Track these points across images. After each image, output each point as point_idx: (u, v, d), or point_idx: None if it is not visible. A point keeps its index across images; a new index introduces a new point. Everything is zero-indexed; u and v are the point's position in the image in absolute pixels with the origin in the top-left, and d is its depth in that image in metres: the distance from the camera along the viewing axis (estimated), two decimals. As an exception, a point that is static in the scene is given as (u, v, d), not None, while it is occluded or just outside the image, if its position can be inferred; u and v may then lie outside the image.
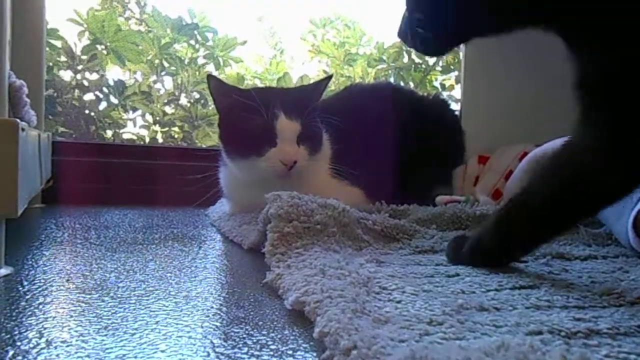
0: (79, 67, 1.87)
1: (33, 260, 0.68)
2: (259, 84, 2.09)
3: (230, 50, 2.15)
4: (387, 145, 1.01)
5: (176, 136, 2.10)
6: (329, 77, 1.00)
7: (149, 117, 2.05)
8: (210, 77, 0.96)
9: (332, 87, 2.20)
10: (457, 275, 0.57)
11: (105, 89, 1.87)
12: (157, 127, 2.09)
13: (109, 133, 1.98)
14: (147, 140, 2.02)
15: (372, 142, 1.00)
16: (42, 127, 1.21)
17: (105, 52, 1.86)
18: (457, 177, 1.11)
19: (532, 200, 0.57)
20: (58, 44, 1.79)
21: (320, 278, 0.49)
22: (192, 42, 2.12)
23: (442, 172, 1.11)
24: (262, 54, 2.32)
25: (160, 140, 2.05)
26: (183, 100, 2.12)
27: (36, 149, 0.83)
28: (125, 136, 2.01)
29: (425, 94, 1.23)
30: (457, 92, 2.27)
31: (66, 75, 1.84)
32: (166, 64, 2.06)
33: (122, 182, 1.31)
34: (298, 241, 0.62)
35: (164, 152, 1.47)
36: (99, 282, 0.58)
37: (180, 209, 1.24)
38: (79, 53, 1.84)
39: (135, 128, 2.04)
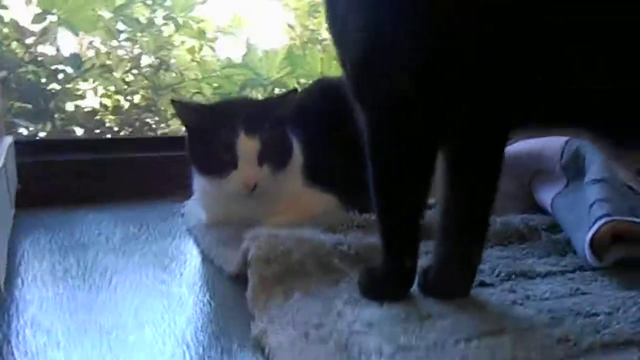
0: (30, 41, 1.77)
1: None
2: (222, 38, 2.03)
3: (189, 10, 2.06)
4: (358, 145, 1.02)
5: (140, 103, 2.05)
6: (295, 91, 0.98)
7: (110, 87, 1.99)
8: (173, 102, 0.96)
9: (297, 41, 2.17)
10: (430, 316, 0.61)
11: (61, 65, 1.79)
12: (119, 97, 2.03)
13: (70, 106, 1.92)
14: (111, 108, 1.97)
15: (343, 143, 1.01)
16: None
17: (57, 22, 1.76)
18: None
19: None
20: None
21: (304, 342, 0.53)
22: (149, 2, 2.02)
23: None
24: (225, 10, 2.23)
25: (126, 107, 2.00)
26: (145, 67, 2.05)
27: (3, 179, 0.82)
28: (87, 109, 1.94)
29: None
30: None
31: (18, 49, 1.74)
32: (123, 27, 1.97)
33: (92, 178, 1.29)
34: (278, 286, 0.65)
35: (128, 144, 1.45)
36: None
37: (155, 205, 1.25)
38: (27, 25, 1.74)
39: (96, 97, 1.98)
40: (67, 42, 1.86)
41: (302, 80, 1.88)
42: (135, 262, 0.88)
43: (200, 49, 2.11)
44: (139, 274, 0.83)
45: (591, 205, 0.77)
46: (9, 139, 1.13)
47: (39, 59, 1.75)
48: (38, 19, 1.71)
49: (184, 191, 1.17)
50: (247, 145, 0.91)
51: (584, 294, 0.68)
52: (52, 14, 1.72)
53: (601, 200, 0.77)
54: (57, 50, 1.78)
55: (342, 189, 0.99)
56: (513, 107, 0.60)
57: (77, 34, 1.82)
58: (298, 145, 0.99)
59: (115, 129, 1.94)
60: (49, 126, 1.80)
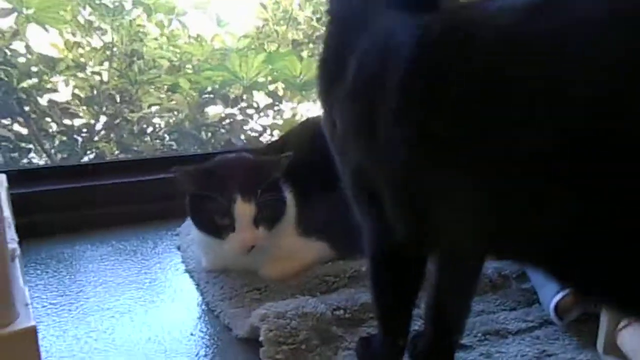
0: (-1, 41, 1.72)
1: None
2: (192, 12, 1.96)
3: (158, -9, 2.01)
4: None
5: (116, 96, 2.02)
6: (288, 156, 1.04)
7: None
8: (175, 171, 1.00)
9: (270, 21, 2.16)
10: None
11: (33, 68, 1.76)
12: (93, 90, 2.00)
13: (44, 99, 1.89)
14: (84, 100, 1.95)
15: (332, 188, 1.08)
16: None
17: (25, 20, 1.71)
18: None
19: None
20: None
21: None
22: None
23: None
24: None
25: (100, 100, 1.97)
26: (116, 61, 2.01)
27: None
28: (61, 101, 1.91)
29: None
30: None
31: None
32: (92, 19, 1.93)
33: (78, 206, 1.33)
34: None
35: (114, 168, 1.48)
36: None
37: (147, 232, 1.31)
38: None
39: (69, 88, 1.94)
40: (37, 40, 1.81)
41: (281, 85, 1.91)
42: (132, 300, 0.97)
43: (170, 24, 2.08)
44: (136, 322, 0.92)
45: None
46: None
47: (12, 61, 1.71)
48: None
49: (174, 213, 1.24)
50: (244, 210, 0.97)
51: (548, 355, 0.80)
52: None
53: None
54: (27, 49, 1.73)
55: (334, 236, 1.06)
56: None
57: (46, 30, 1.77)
58: (291, 197, 1.06)
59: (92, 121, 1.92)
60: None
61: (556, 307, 0.86)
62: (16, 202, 1.15)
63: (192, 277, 1.09)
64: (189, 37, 2.06)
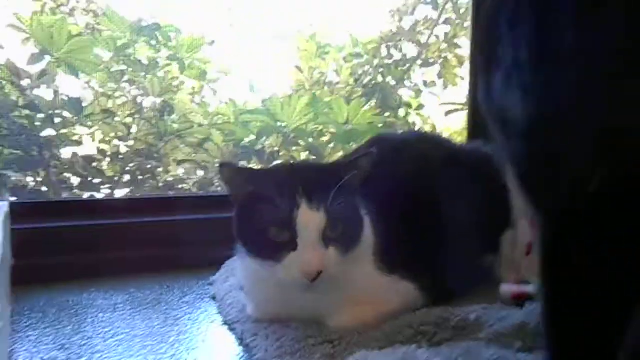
0: (25, 83, 1.59)
1: None
2: (223, 79, 1.85)
3: (196, 51, 1.91)
4: (434, 217, 0.85)
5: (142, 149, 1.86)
6: (371, 154, 0.80)
7: (110, 133, 1.80)
8: (223, 165, 0.77)
9: (305, 82, 2.03)
10: None
11: (58, 110, 1.61)
12: (118, 142, 1.84)
13: (66, 152, 1.72)
14: (109, 153, 1.78)
15: (418, 217, 0.83)
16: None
17: (56, 63, 1.59)
18: (506, 244, 0.97)
19: None
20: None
21: None
22: (153, 42, 1.87)
23: (491, 239, 0.96)
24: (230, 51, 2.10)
25: (125, 154, 1.81)
26: (146, 109, 1.87)
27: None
28: (82, 153, 1.74)
29: (462, 142, 1.07)
30: (438, 89, 2.15)
31: (12, 93, 1.56)
32: (124, 67, 1.81)
33: (90, 248, 1.08)
34: None
35: (134, 205, 1.24)
36: None
37: (174, 280, 1.04)
38: (24, 67, 1.56)
39: (94, 142, 1.79)
40: (66, 86, 1.68)
41: (326, 129, 1.72)
42: (153, 357, 0.68)
43: (201, 90, 1.98)
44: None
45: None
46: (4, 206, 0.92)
47: (36, 103, 1.56)
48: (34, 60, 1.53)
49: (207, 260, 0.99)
50: (310, 220, 0.73)
51: None
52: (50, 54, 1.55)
53: None
54: (55, 94, 1.60)
55: (423, 275, 0.80)
56: None
57: (77, 76, 1.65)
58: (368, 221, 0.80)
59: (115, 177, 1.74)
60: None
61: None
62: (16, 240, 0.92)
63: (232, 329, 0.82)
64: (220, 102, 1.95)
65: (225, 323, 0.86)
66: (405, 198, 0.85)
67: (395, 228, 0.82)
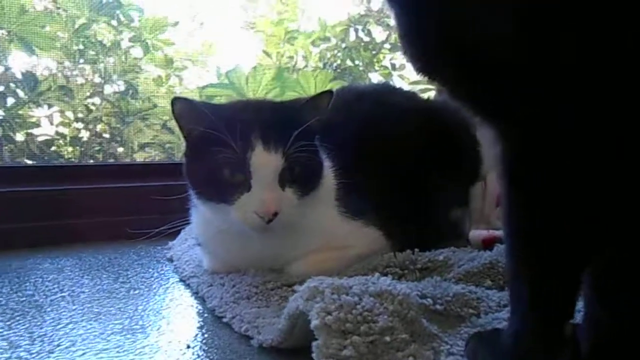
0: (-25, 59, 1.51)
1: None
2: (191, 67, 1.80)
3: (159, 32, 1.84)
4: (401, 166, 0.81)
5: (105, 135, 1.78)
6: (330, 93, 0.75)
7: (69, 114, 1.72)
8: (176, 99, 0.72)
9: (271, 67, 1.99)
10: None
11: (12, 84, 1.52)
12: (79, 124, 1.76)
13: (20, 136, 1.63)
14: (68, 139, 1.70)
15: (383, 165, 0.80)
16: None
17: (7, 37, 1.51)
18: (476, 197, 0.94)
19: None
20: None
21: None
22: (114, 22, 1.79)
23: (458, 192, 0.93)
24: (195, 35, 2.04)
25: (85, 139, 1.73)
26: (108, 91, 1.80)
27: None
28: (40, 138, 1.66)
29: (427, 97, 1.03)
30: (410, 72, 2.13)
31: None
32: (83, 48, 1.73)
33: (49, 215, 1.01)
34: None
35: (83, 173, 1.18)
36: None
37: (129, 247, 0.98)
38: (-27, 40, 1.48)
39: (52, 127, 1.70)
40: (19, 63, 1.60)
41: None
42: (114, 330, 0.62)
43: (167, 79, 1.91)
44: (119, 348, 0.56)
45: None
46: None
47: (-15, 78, 1.48)
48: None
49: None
50: (265, 162, 0.69)
51: None
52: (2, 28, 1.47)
53: None
54: (7, 69, 1.51)
55: (389, 222, 0.76)
56: None
57: (32, 53, 1.56)
58: (329, 165, 0.76)
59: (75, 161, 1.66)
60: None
61: None
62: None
63: (188, 285, 0.77)
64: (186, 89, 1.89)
65: (181, 280, 0.80)
66: (367, 145, 0.81)
67: (357, 174, 0.78)
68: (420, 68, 0.47)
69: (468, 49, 0.41)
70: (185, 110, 0.72)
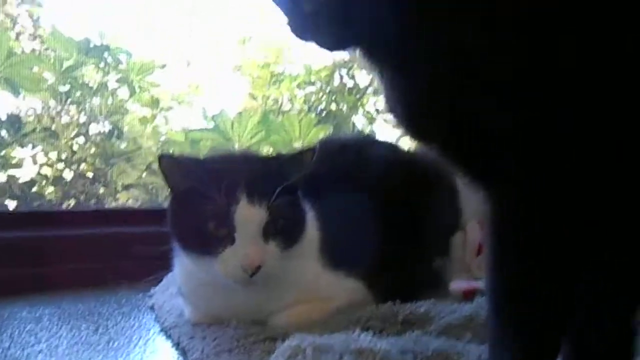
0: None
1: None
2: (177, 107, 1.84)
3: (147, 74, 1.86)
4: (382, 217, 0.83)
5: (88, 174, 1.78)
6: (313, 150, 0.78)
7: (52, 154, 1.72)
8: (162, 157, 0.74)
9: (259, 109, 2.02)
10: None
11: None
12: (62, 165, 1.75)
13: (1, 176, 1.62)
14: (51, 179, 1.70)
15: (365, 216, 0.81)
16: None
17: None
18: (457, 246, 0.95)
19: None
20: None
21: None
22: (102, 65, 1.81)
23: (440, 242, 0.94)
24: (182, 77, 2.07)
25: (69, 178, 1.72)
26: (93, 131, 1.80)
27: None
28: (23, 179, 1.65)
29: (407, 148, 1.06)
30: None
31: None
32: (69, 88, 1.74)
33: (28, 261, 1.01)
34: None
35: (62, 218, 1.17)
36: None
37: (110, 294, 0.97)
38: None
39: (35, 166, 1.70)
40: (4, 104, 1.61)
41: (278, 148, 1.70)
42: None
43: (153, 119, 1.93)
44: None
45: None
46: None
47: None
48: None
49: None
50: (249, 216, 0.70)
51: None
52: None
53: None
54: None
55: (370, 273, 0.77)
56: None
57: (18, 94, 1.58)
58: (313, 217, 0.77)
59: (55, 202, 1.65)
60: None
61: None
62: None
63: (169, 336, 0.76)
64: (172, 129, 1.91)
65: (162, 330, 0.80)
66: (349, 197, 0.83)
67: (339, 226, 0.79)
68: (409, 131, 0.48)
69: (459, 117, 0.42)
70: (172, 168, 0.73)
